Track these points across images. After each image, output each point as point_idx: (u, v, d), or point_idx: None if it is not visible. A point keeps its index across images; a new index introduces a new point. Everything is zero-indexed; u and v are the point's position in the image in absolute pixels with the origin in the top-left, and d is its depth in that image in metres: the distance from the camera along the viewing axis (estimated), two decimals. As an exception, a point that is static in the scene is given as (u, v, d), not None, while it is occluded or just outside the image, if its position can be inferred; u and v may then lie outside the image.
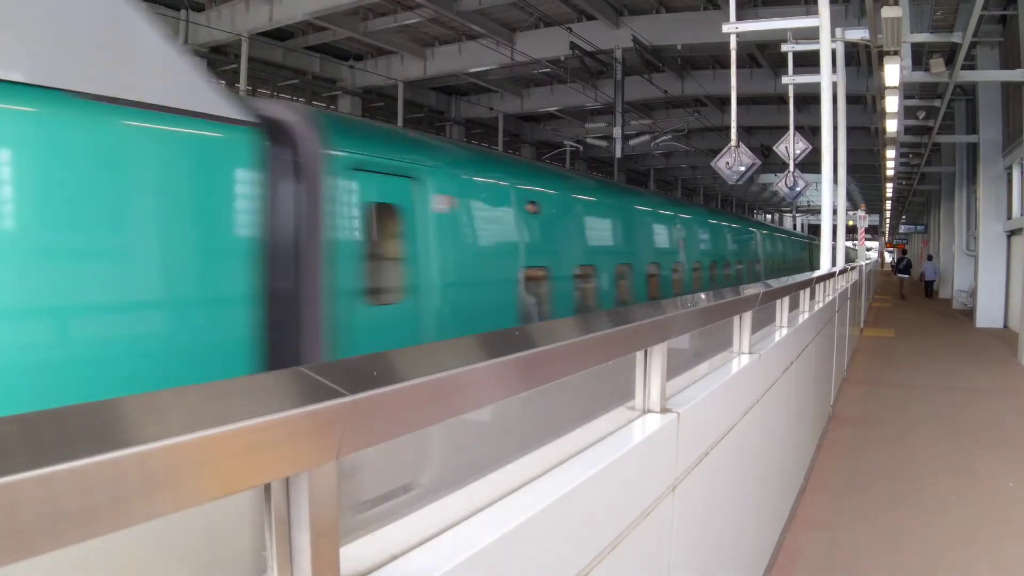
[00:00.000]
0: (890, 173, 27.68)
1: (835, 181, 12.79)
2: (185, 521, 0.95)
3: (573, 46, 19.87)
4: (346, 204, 5.40)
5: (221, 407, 0.90)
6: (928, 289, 31.99)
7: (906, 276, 33.66)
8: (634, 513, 2.12)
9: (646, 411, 2.39)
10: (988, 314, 20.22)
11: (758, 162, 12.98)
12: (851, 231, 29.18)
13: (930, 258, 34.04)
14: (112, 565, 1.20)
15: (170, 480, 0.83)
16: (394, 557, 1.23)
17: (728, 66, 12.28)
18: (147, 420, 0.84)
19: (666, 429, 2.33)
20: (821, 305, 7.49)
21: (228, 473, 0.89)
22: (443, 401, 1.26)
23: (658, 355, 2.38)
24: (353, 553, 1.20)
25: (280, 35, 21.90)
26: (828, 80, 11.10)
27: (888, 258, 68.47)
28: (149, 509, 0.81)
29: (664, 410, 2.40)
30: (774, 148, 15.69)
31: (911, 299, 30.63)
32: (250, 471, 0.92)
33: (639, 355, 2.36)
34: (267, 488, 0.99)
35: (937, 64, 14.37)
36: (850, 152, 15.73)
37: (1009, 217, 19.66)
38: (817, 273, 8.13)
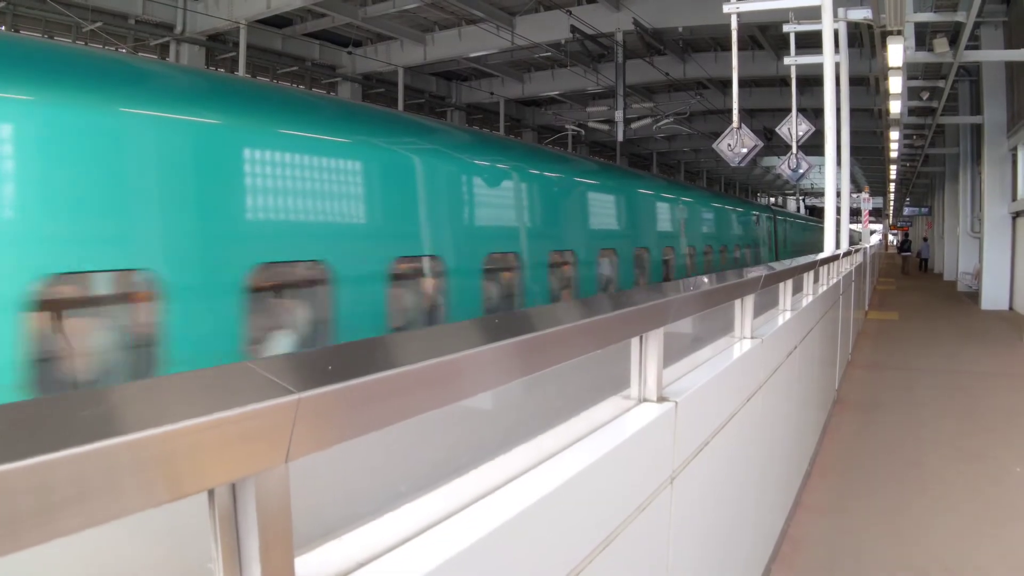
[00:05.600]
0: (894, 155, 27.46)
1: (838, 163, 12.66)
2: (121, 531, 0.85)
3: (574, 30, 19.66)
4: (776, 225, 22.50)
5: (153, 406, 0.80)
6: (924, 265, 40.66)
7: (908, 254, 42.36)
8: (630, 507, 2.03)
9: (642, 400, 2.29)
10: (993, 296, 20.12)
11: (760, 144, 12.84)
12: (855, 213, 29.27)
13: (925, 239, 42.94)
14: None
15: (103, 486, 0.73)
16: (361, 564, 1.13)
17: (730, 48, 12.14)
18: (71, 420, 0.75)
19: (663, 419, 2.23)
20: (825, 288, 7.39)
21: (165, 478, 0.79)
22: (408, 397, 1.13)
23: (655, 341, 2.27)
24: (313, 561, 1.11)
25: (278, 22, 21.73)
26: (831, 61, 10.97)
27: (892, 239, 69.19)
28: (81, 518, 0.71)
29: (661, 399, 2.30)
30: (776, 130, 15.56)
31: (912, 275, 36.94)
32: (189, 476, 0.82)
33: (635, 341, 2.26)
34: (211, 494, 0.89)
35: (941, 44, 14.19)
36: (853, 134, 15.56)
37: (1014, 199, 19.51)
38: (821, 255, 8.03)
